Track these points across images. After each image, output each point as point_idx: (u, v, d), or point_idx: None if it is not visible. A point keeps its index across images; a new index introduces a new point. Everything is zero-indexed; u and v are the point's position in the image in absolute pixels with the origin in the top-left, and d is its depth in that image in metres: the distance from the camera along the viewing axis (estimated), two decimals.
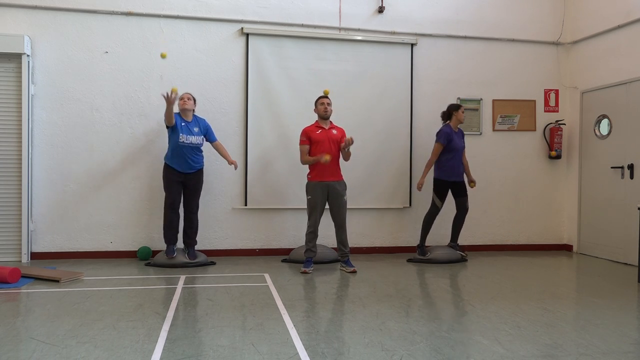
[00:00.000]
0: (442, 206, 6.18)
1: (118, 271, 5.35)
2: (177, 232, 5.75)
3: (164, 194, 5.73)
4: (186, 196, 5.73)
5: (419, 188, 6.10)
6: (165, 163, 5.67)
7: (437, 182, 6.14)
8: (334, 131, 5.59)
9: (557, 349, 3.13)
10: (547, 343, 3.24)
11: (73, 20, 5.97)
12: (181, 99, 5.62)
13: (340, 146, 5.56)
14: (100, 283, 4.80)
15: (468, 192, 6.41)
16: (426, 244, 6.59)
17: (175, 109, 5.78)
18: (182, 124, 5.57)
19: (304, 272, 5.41)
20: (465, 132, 6.88)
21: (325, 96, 5.63)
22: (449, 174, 6.09)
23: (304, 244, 6.04)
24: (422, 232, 6.25)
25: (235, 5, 6.30)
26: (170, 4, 6.16)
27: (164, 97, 5.25)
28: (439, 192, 6.13)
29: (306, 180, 5.67)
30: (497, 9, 6.98)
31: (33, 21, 5.87)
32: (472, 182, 6.29)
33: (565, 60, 7.20)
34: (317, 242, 5.80)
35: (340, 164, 5.65)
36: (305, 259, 5.61)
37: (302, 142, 5.58)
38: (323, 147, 5.49)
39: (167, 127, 5.56)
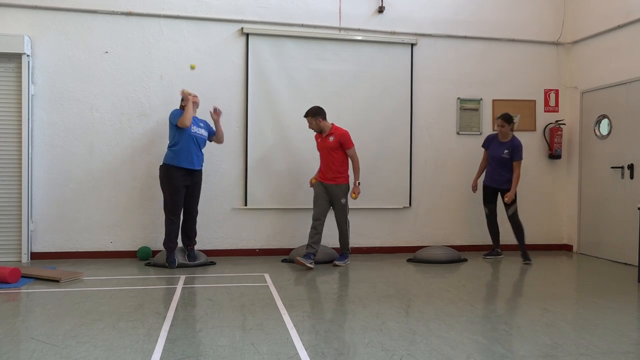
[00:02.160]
0: (488, 211, 6.34)
1: (118, 271, 5.35)
2: (177, 237, 5.65)
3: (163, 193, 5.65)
4: (187, 198, 5.63)
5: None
6: (165, 165, 5.48)
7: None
8: (331, 138, 5.68)
9: (557, 349, 3.13)
10: (547, 343, 3.24)
11: (73, 20, 5.97)
12: (190, 94, 5.61)
13: (342, 150, 5.71)
14: (100, 283, 4.80)
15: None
16: (428, 244, 6.65)
17: (176, 105, 5.82)
18: (195, 121, 5.59)
19: (300, 263, 5.45)
20: (465, 132, 6.89)
21: (306, 115, 5.70)
22: (485, 178, 6.34)
23: (305, 244, 6.08)
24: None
25: (235, 5, 6.30)
26: (170, 4, 6.16)
27: (189, 96, 5.44)
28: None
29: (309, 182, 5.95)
30: (496, 9, 6.98)
31: (33, 21, 5.87)
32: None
33: (565, 60, 7.20)
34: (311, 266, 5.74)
35: (343, 167, 5.73)
36: (305, 252, 5.66)
37: None
38: (321, 154, 5.80)
39: (177, 126, 5.43)
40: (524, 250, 6.17)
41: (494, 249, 6.42)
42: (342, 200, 5.71)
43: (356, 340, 3.25)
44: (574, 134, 7.10)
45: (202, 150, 5.69)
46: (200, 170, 5.69)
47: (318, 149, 5.85)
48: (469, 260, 6.28)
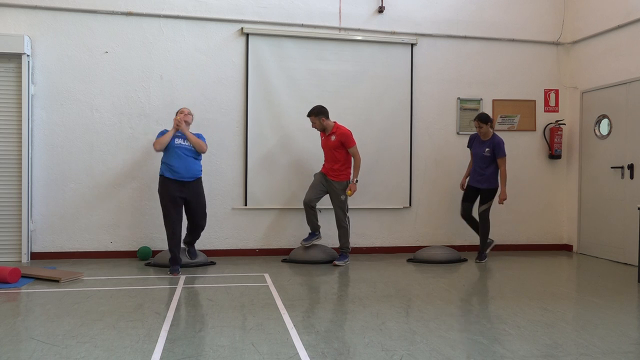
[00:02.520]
0: (462, 209, 6.28)
1: (118, 271, 5.35)
2: (180, 247, 5.38)
3: None
4: (189, 213, 5.41)
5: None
6: (160, 177, 5.29)
7: None
8: (333, 137, 5.80)
9: (557, 349, 3.13)
10: (547, 343, 3.24)
11: (73, 20, 5.97)
12: (181, 112, 5.36)
13: (343, 149, 5.82)
14: (100, 283, 4.80)
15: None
16: (428, 244, 6.64)
17: (176, 105, 5.81)
18: (177, 132, 5.30)
19: (302, 244, 5.91)
20: (465, 132, 6.89)
21: (310, 114, 5.80)
22: (470, 178, 6.31)
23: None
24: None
25: (235, 5, 6.30)
26: (170, 4, 6.16)
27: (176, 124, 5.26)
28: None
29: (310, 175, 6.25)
30: (496, 9, 6.98)
31: (33, 21, 5.87)
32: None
33: (565, 60, 7.20)
34: (317, 243, 6.04)
35: (345, 165, 5.87)
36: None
37: None
38: (324, 152, 5.91)
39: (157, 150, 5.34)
40: (483, 249, 6.18)
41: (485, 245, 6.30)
42: (342, 197, 5.81)
43: (356, 340, 3.25)
44: (574, 134, 7.10)
45: (196, 157, 5.35)
46: (195, 182, 5.36)
47: (322, 147, 5.93)
48: (468, 260, 6.28)
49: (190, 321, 3.60)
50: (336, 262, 5.80)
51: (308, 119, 5.90)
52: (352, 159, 5.84)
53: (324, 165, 5.96)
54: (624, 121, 6.27)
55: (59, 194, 5.95)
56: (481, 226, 6.19)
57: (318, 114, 5.75)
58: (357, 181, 5.84)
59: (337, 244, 6.07)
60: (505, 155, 6.04)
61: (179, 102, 6.08)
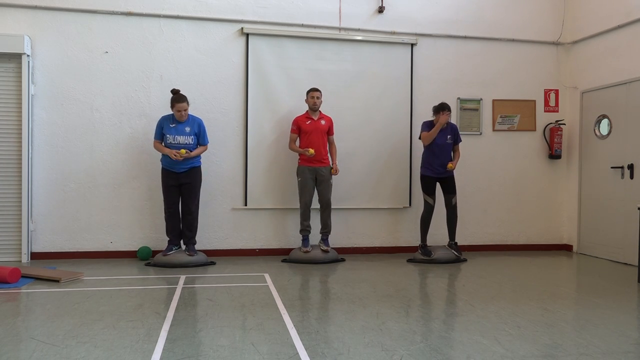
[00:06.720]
0: (432, 202, 6.16)
1: (118, 271, 5.35)
2: (179, 233, 5.79)
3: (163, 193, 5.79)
4: (183, 197, 5.72)
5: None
6: (161, 167, 5.73)
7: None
8: (323, 121, 5.99)
9: (557, 349, 3.13)
10: (547, 343, 3.24)
11: (73, 20, 5.96)
12: (178, 110, 5.53)
13: (327, 135, 6.04)
14: (100, 283, 4.80)
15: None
16: (428, 244, 6.65)
17: (169, 110, 5.83)
18: (172, 125, 5.59)
19: (305, 252, 5.86)
20: (465, 132, 6.88)
21: (317, 89, 5.97)
22: (427, 170, 6.15)
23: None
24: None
25: (235, 5, 6.30)
26: (170, 4, 6.16)
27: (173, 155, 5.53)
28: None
29: (297, 166, 6.08)
30: (497, 9, 6.98)
31: (33, 21, 5.87)
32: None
33: (565, 60, 7.20)
34: (315, 243, 5.96)
35: (327, 151, 6.07)
36: (302, 239, 6.00)
37: (291, 131, 6.03)
38: (312, 137, 5.91)
39: None
40: (455, 239, 6.27)
41: (426, 246, 6.22)
42: (330, 181, 6.02)
43: (356, 340, 3.25)
44: (574, 134, 7.10)
45: (192, 150, 5.61)
46: (192, 170, 5.67)
47: (307, 131, 5.90)
48: (468, 260, 6.28)
49: (190, 321, 3.60)
50: (327, 248, 5.95)
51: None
52: (330, 146, 6.08)
53: (305, 158, 5.91)
54: (624, 121, 6.27)
55: (59, 194, 5.95)
56: (455, 220, 6.23)
57: None
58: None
59: (336, 245, 6.07)
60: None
61: None
